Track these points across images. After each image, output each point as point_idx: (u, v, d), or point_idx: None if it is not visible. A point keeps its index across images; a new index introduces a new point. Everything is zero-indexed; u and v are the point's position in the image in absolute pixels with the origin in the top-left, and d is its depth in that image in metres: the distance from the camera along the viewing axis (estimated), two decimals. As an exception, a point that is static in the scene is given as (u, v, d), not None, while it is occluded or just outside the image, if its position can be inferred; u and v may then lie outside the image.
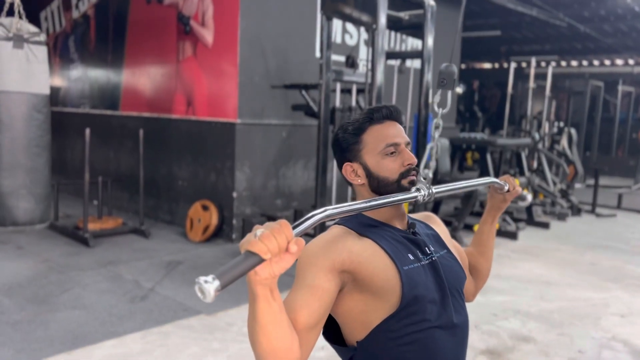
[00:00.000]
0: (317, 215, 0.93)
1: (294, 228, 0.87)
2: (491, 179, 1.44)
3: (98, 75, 7.30)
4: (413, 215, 1.35)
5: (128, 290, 4.03)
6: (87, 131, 5.19)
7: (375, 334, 1.12)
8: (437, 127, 1.34)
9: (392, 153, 1.21)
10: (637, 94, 15.89)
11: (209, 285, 0.74)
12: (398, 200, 1.13)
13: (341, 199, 5.68)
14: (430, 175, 1.21)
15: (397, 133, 1.22)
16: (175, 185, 6.13)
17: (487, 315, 3.79)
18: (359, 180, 1.23)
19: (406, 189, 1.20)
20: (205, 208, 5.53)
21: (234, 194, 5.45)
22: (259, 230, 0.82)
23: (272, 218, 4.93)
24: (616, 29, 12.70)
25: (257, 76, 5.53)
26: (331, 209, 0.97)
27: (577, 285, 4.63)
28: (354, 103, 5.09)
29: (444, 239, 1.32)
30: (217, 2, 5.50)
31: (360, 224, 1.20)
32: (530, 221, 7.04)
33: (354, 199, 4.83)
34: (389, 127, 1.22)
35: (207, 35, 5.61)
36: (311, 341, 1.04)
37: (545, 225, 6.95)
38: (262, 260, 0.81)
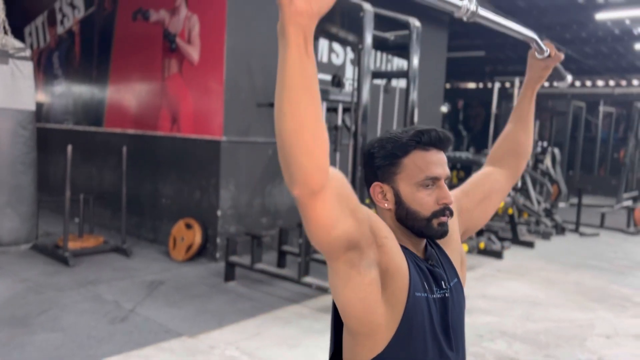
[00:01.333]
0: None
1: None
2: (534, 35, 1.30)
3: (82, 91, 7.24)
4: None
5: (108, 311, 3.93)
6: (69, 148, 5.11)
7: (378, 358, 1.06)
8: None
9: (429, 186, 1.11)
10: (617, 114, 16.17)
11: None
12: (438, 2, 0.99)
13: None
14: None
15: (441, 165, 1.12)
16: (159, 203, 6.05)
17: (472, 337, 3.76)
18: (386, 205, 1.13)
19: (434, 230, 1.11)
20: (188, 226, 5.46)
21: (219, 212, 5.39)
22: None
23: (257, 237, 4.88)
24: (597, 51, 12.97)
25: (244, 94, 5.51)
26: None
27: (562, 306, 4.62)
28: (339, 122, 5.09)
29: (455, 263, 1.23)
30: (204, 19, 5.50)
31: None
32: (515, 240, 7.06)
33: None
34: (433, 156, 1.11)
35: (193, 52, 5.59)
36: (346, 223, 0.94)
37: (530, 245, 6.98)
38: None
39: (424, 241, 1.18)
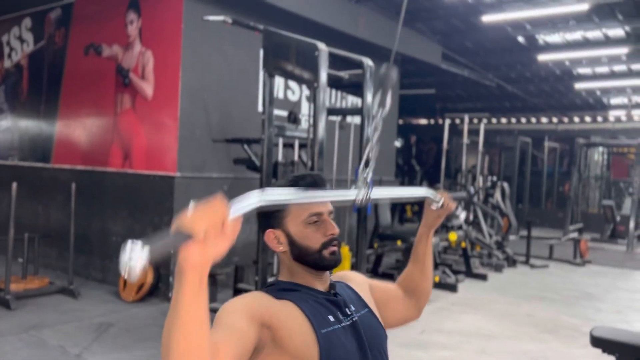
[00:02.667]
0: (255, 197, 0.89)
1: (231, 207, 0.81)
2: (427, 191, 1.42)
3: (29, 126, 7.01)
4: (331, 277, 1.34)
5: (53, 357, 3.72)
6: (14, 185, 4.91)
7: None
8: (375, 129, 1.31)
9: (315, 222, 1.21)
10: (561, 149, 16.96)
11: (136, 253, 0.66)
12: (336, 199, 1.14)
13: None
14: (370, 176, 1.19)
15: (321, 202, 1.22)
16: (109, 241, 5.85)
17: (430, 372, 3.76)
18: (281, 248, 1.23)
19: (327, 260, 1.20)
20: (140, 265, 5.28)
21: (171, 250, 5.24)
22: (191, 206, 0.77)
23: (211, 275, 4.77)
24: (540, 90, 13.66)
25: (198, 129, 5.47)
26: (268, 193, 0.93)
27: (516, 338, 4.70)
28: (296, 157, 5.11)
29: (363, 297, 1.32)
30: (158, 55, 5.48)
31: (280, 290, 1.20)
32: (469, 273, 7.18)
33: (278, 267, 4.68)
34: None
35: (147, 88, 5.54)
36: None
37: (483, 277, 7.11)
38: (192, 237, 0.74)
39: (327, 275, 1.26)
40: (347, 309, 1.21)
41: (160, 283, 5.30)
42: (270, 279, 4.80)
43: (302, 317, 1.12)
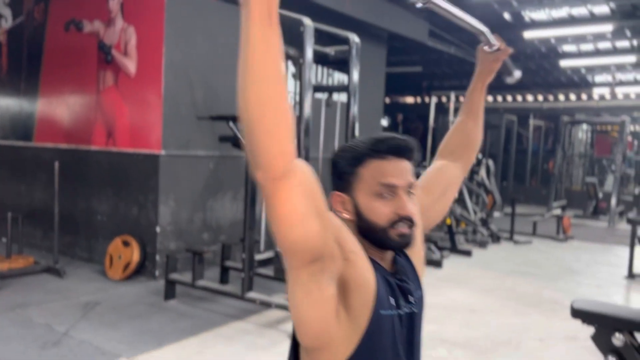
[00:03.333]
0: None
1: None
2: (484, 28, 1.31)
3: (9, 104, 6.88)
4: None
5: (39, 335, 3.72)
6: (-4, 164, 4.84)
7: None
8: None
9: (385, 196, 1.05)
10: (546, 127, 17.09)
11: None
12: None
13: (271, 232, 5.61)
14: None
15: (399, 173, 1.06)
16: (94, 220, 5.81)
17: (415, 346, 3.82)
18: (346, 215, 1.09)
19: (393, 241, 1.06)
20: (126, 244, 5.27)
21: (158, 229, 5.24)
22: None
23: (198, 253, 4.77)
24: (526, 67, 13.66)
25: (183, 107, 5.42)
26: None
27: (499, 312, 4.79)
28: (281, 135, 5.09)
29: (418, 269, 1.20)
30: (141, 31, 5.38)
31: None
32: (454, 249, 7.27)
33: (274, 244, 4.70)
34: (391, 165, 1.07)
35: (130, 64, 5.45)
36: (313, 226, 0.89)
37: (467, 253, 7.20)
38: None
39: (391, 253, 1.13)
40: (409, 297, 1.11)
41: (147, 262, 5.30)
42: (257, 257, 4.81)
43: (372, 281, 1.02)
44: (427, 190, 1.33)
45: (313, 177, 0.91)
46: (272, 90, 0.77)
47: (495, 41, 1.33)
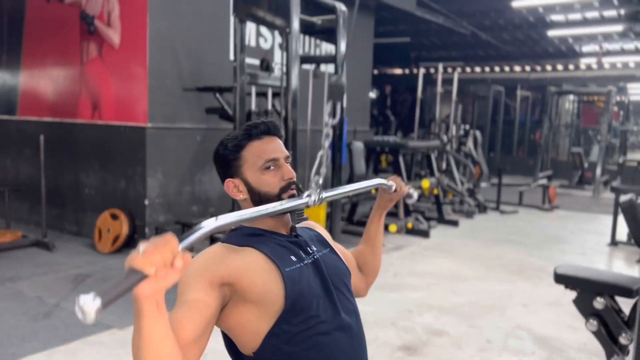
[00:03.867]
0: (206, 227, 0.92)
1: (180, 241, 0.86)
2: (379, 181, 1.50)
3: (-8, 77, 6.75)
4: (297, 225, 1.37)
5: (30, 307, 3.74)
6: (-20, 137, 4.78)
7: (268, 340, 1.12)
8: (327, 136, 1.33)
9: (271, 168, 1.24)
10: (533, 98, 17.14)
11: (89, 305, 0.70)
12: (288, 207, 1.15)
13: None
14: (321, 181, 1.23)
15: (276, 148, 1.25)
16: (82, 194, 5.79)
17: (403, 312, 3.90)
18: (241, 196, 1.25)
19: None
20: (114, 217, 5.27)
21: (146, 202, 5.23)
22: (142, 245, 0.80)
23: (187, 225, 4.79)
24: (514, 38, 13.63)
25: (169, 79, 5.36)
26: (221, 220, 0.96)
27: (484, 279, 4.89)
28: (269, 106, 5.07)
29: (327, 239, 1.37)
30: (124, 1, 5.27)
31: (243, 235, 1.23)
32: (441, 219, 7.36)
33: None
34: (268, 143, 1.25)
35: (114, 35, 5.36)
36: (195, 355, 1.03)
37: (454, 223, 7.29)
38: (144, 277, 0.79)
39: (288, 219, 1.28)
40: (308, 248, 1.26)
41: (136, 235, 5.31)
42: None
43: (264, 259, 1.16)
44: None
45: (193, 322, 1.05)
46: (167, 357, 0.90)
47: (392, 183, 1.51)
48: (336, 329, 1.17)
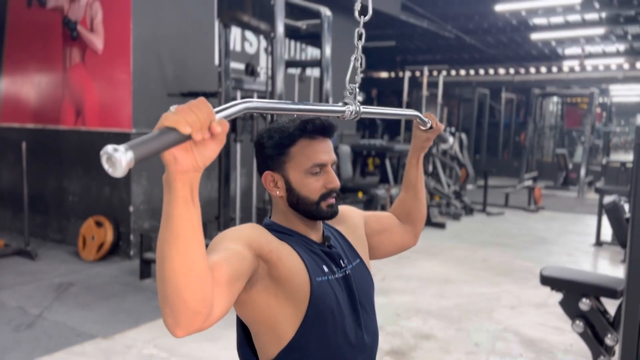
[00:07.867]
0: (238, 105, 0.83)
1: (216, 113, 0.75)
2: (416, 112, 1.40)
3: (-28, 83, 6.65)
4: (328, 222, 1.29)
5: (12, 318, 3.67)
6: (-41, 145, 4.70)
7: (287, 352, 1.09)
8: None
9: (317, 173, 1.16)
10: (518, 100, 17.30)
11: (120, 154, 0.61)
12: (324, 110, 1.06)
13: (246, 209, 5.60)
14: (357, 89, 1.13)
15: (327, 151, 1.17)
16: (65, 201, 5.71)
17: (391, 316, 3.90)
18: (278, 192, 1.18)
19: (324, 212, 1.17)
20: (99, 224, 5.20)
21: (131, 208, 5.18)
22: (173, 107, 0.71)
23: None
24: (498, 41, 13.76)
25: (153, 84, 5.31)
26: (253, 102, 0.87)
27: (472, 281, 4.90)
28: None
29: (355, 246, 1.30)
30: (107, 6, 5.22)
31: (276, 231, 1.17)
32: (428, 222, 7.37)
33: (264, 209, 4.67)
34: (319, 144, 1.16)
35: (97, 41, 5.30)
36: (222, 298, 0.90)
37: (441, 226, 7.31)
38: (181, 137, 0.69)
39: (320, 224, 1.23)
40: (341, 261, 1.20)
41: (121, 242, 5.25)
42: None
43: (299, 261, 1.11)
44: (369, 218, 1.42)
45: (226, 264, 0.94)
46: (197, 257, 0.80)
47: (428, 119, 1.41)
48: (358, 351, 1.15)
